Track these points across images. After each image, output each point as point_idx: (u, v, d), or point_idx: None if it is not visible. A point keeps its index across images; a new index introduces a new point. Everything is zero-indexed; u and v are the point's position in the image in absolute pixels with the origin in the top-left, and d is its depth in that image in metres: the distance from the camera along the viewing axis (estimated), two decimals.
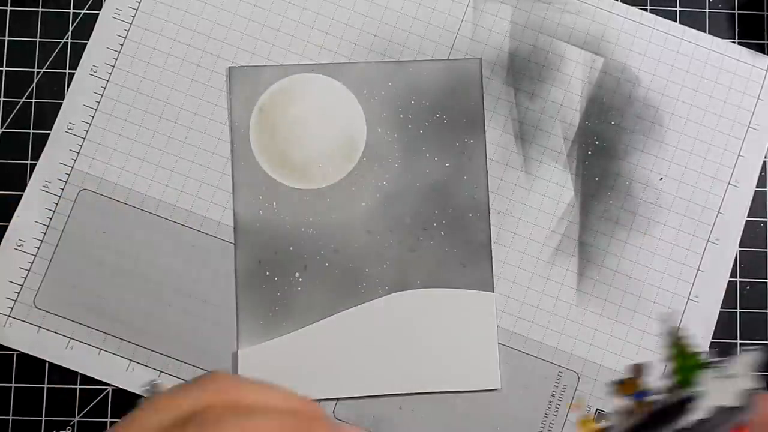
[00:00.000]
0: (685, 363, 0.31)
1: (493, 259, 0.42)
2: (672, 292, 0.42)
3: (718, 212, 0.43)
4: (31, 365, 0.42)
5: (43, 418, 0.41)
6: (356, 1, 0.43)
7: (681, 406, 0.30)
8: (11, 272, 0.42)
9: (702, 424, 0.30)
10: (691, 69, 0.43)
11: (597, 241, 0.42)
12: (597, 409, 0.41)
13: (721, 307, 0.42)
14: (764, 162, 0.43)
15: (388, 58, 0.43)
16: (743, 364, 0.29)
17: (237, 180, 0.42)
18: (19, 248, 0.42)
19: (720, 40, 0.43)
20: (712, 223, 0.43)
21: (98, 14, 0.43)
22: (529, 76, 0.43)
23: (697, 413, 0.30)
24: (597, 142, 0.43)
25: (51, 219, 0.42)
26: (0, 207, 0.42)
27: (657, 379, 0.31)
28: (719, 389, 0.30)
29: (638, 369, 0.32)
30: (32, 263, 0.42)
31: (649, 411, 0.31)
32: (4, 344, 0.42)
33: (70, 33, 0.43)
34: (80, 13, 0.44)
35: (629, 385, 0.32)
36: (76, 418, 0.41)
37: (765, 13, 0.44)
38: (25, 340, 0.41)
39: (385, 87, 0.42)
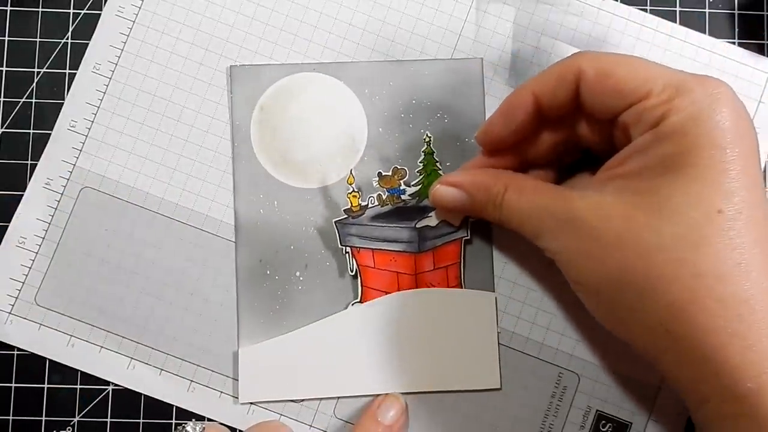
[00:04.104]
0: (429, 179, 0.41)
1: (494, 259, 0.42)
2: None
3: None
4: (32, 365, 0.41)
5: (43, 418, 0.41)
6: (359, 1, 0.43)
7: (419, 210, 0.41)
8: (12, 269, 0.42)
9: (430, 229, 0.41)
10: (693, 71, 0.43)
11: None
12: (597, 410, 0.41)
13: None
14: (765, 163, 0.43)
15: (391, 59, 0.43)
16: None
17: (238, 179, 0.42)
18: (20, 246, 0.42)
19: (722, 42, 0.43)
20: None
21: (99, 14, 0.43)
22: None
23: (429, 220, 0.41)
24: None
25: (53, 216, 0.42)
26: (0, 208, 0.42)
27: (410, 184, 0.42)
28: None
29: (398, 171, 0.41)
30: (33, 261, 0.42)
31: (396, 204, 0.41)
32: (4, 341, 0.41)
33: (70, 33, 0.43)
34: (80, 13, 0.44)
35: (389, 180, 0.41)
36: (77, 418, 0.41)
37: (765, 13, 0.44)
38: (26, 337, 0.41)
39: (386, 86, 0.43)
